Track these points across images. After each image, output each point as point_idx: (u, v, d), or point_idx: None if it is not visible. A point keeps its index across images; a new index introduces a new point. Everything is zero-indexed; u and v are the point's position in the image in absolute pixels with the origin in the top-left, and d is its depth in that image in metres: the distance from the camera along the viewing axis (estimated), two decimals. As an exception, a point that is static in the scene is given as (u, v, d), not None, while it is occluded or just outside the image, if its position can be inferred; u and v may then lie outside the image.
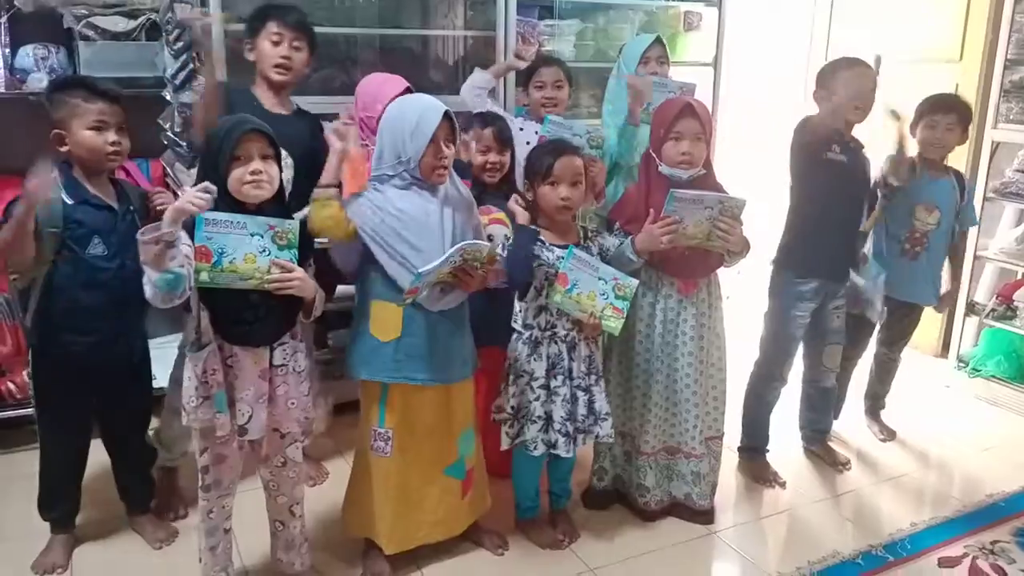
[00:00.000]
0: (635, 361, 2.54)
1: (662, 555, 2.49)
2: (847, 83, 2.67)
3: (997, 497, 2.88)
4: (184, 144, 2.88)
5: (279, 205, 2.02)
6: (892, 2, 4.24)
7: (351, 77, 3.33)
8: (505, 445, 2.34)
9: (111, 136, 2.12)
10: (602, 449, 2.64)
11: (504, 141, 2.56)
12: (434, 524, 2.33)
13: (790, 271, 2.82)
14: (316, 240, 2.13)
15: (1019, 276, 3.76)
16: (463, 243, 2.01)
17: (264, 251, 1.89)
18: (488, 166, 2.55)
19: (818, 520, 2.73)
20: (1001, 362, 3.71)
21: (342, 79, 3.30)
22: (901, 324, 3.21)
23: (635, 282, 2.26)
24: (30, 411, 2.89)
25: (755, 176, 3.86)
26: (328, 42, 3.19)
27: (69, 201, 2.11)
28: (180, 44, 2.89)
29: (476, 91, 2.88)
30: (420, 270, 1.96)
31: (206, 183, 1.84)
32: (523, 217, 2.37)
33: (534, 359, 2.31)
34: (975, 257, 3.75)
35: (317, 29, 2.56)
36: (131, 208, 2.22)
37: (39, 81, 2.82)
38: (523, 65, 2.95)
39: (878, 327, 3.18)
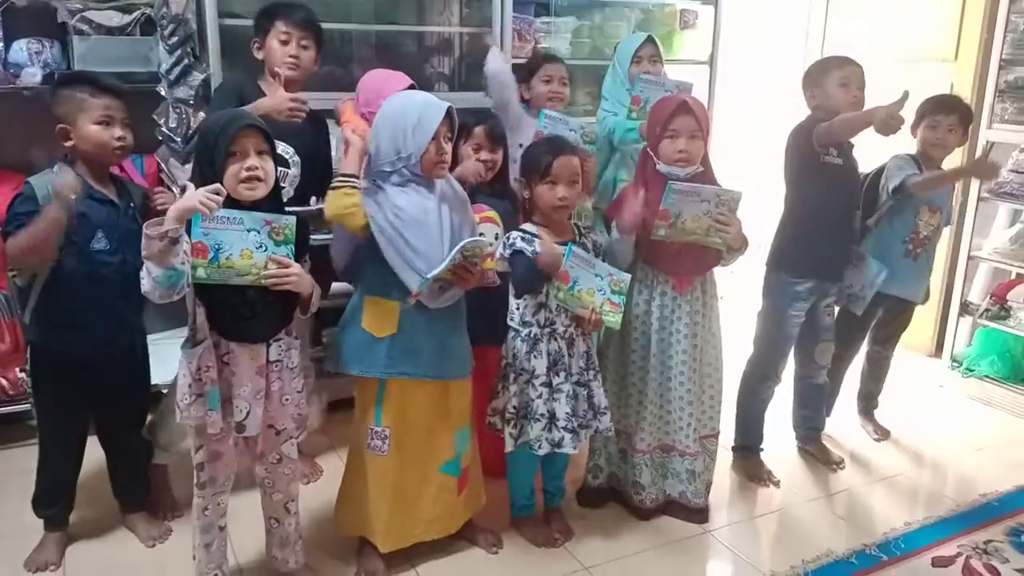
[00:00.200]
0: (630, 358, 2.54)
1: (656, 554, 2.49)
2: (840, 82, 2.67)
3: (990, 497, 2.89)
4: (179, 140, 2.87)
5: (275, 201, 2.01)
6: (887, 1, 4.25)
7: (348, 73, 3.33)
8: (509, 447, 2.32)
9: (117, 131, 2.14)
10: (597, 447, 2.64)
11: (496, 139, 2.54)
12: (431, 522, 2.33)
13: (785, 271, 2.83)
14: (313, 236, 2.13)
15: (1013, 276, 3.77)
16: (465, 240, 2.01)
17: (261, 247, 1.89)
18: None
19: (812, 519, 2.73)
20: (995, 362, 3.72)
21: (338, 75, 3.30)
22: (896, 322, 3.22)
23: (628, 276, 2.27)
24: (23, 407, 2.91)
25: (751, 174, 3.85)
26: (325, 38, 3.18)
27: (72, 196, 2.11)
28: (175, 39, 2.87)
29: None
30: (428, 275, 1.96)
31: (216, 185, 1.82)
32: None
33: (534, 357, 2.30)
34: (969, 257, 3.77)
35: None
36: (132, 204, 2.23)
37: (33, 76, 2.80)
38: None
39: (872, 325, 3.19)
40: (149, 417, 2.50)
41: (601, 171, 3.20)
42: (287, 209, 2.09)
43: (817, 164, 2.70)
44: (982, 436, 3.39)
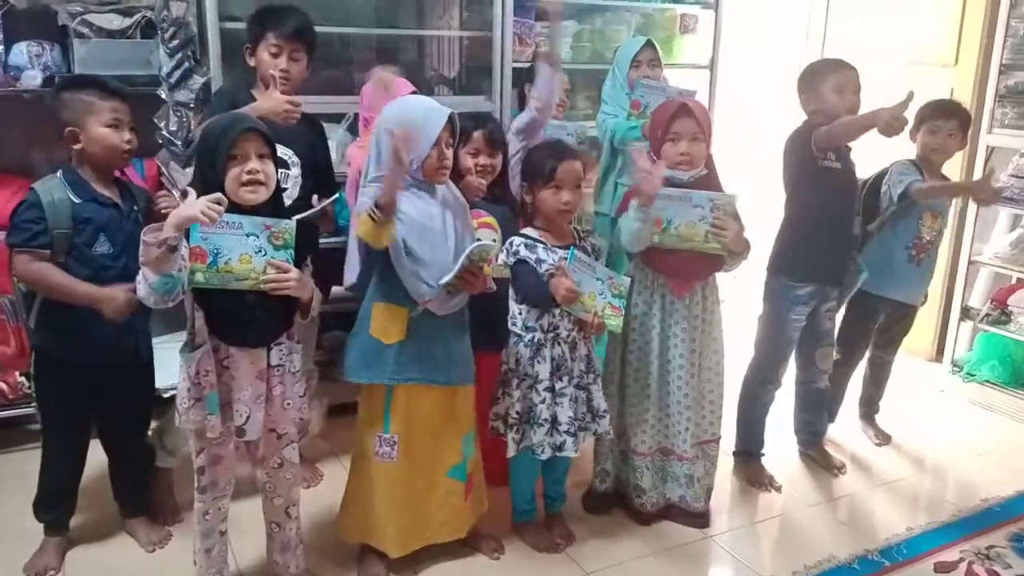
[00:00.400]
0: (628, 360, 2.54)
1: (658, 559, 2.49)
2: (836, 87, 2.66)
3: (992, 502, 2.88)
4: (179, 143, 2.86)
5: (276, 205, 2.01)
6: (887, 5, 4.25)
7: (348, 77, 3.33)
8: (511, 452, 2.32)
9: (126, 134, 2.15)
10: (604, 452, 2.63)
11: (495, 143, 2.52)
12: (440, 524, 2.33)
13: (785, 275, 2.82)
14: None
15: (1014, 281, 3.77)
16: (473, 246, 2.00)
17: (260, 251, 1.88)
18: (479, 169, 2.51)
19: (814, 524, 2.73)
20: (995, 367, 3.71)
21: (338, 79, 3.30)
22: (898, 326, 3.22)
23: (628, 280, 2.28)
24: (22, 411, 2.90)
25: (752, 178, 3.85)
26: (324, 42, 3.18)
27: (76, 200, 2.12)
28: (175, 42, 2.87)
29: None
30: (441, 281, 1.96)
31: (218, 195, 1.81)
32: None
33: (537, 362, 2.30)
34: (970, 262, 3.76)
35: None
36: (135, 207, 2.23)
37: (33, 79, 2.80)
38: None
39: (874, 330, 3.19)
40: (154, 422, 2.49)
41: (603, 175, 3.21)
42: (295, 210, 2.08)
43: (816, 168, 2.69)
44: (983, 441, 3.39)
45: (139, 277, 1.82)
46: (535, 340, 2.30)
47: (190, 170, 2.69)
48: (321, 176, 2.56)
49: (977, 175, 3.68)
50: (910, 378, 3.79)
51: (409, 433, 2.20)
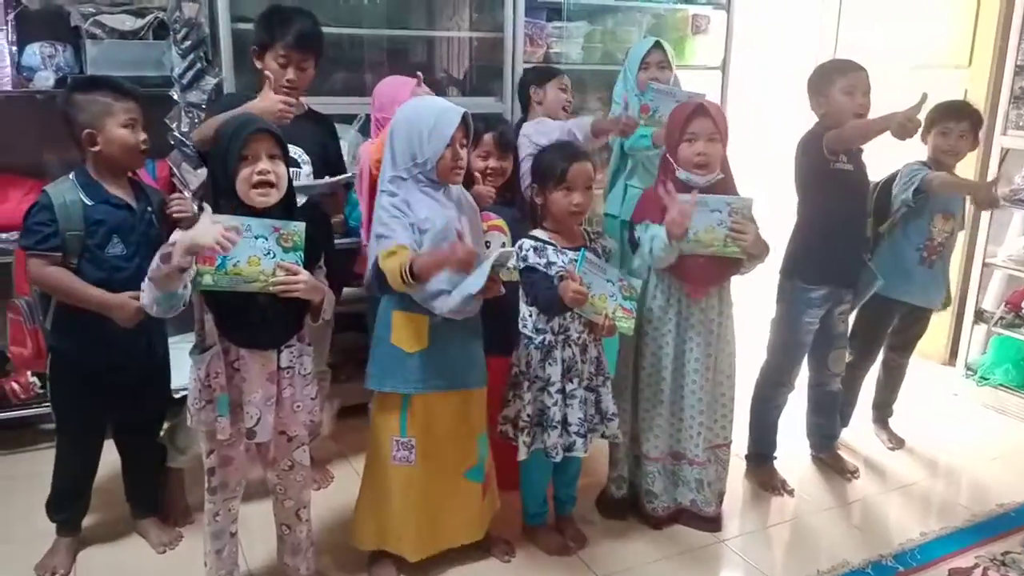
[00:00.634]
0: (641, 365, 2.52)
1: (669, 563, 2.47)
2: (845, 89, 2.64)
3: (1007, 507, 2.85)
4: (191, 144, 2.87)
5: (287, 206, 2.00)
6: (901, 6, 4.23)
7: (359, 78, 3.33)
8: (523, 455, 2.31)
9: (141, 134, 2.16)
10: (619, 458, 2.62)
11: (505, 146, 2.51)
12: (458, 527, 2.32)
13: (799, 278, 2.80)
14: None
15: (1028, 284, 3.74)
16: (496, 253, 1.98)
17: (269, 253, 1.87)
18: (489, 172, 2.50)
19: (826, 529, 2.71)
20: (1009, 370, 3.68)
21: (349, 80, 3.30)
22: (912, 329, 3.19)
23: (639, 282, 2.27)
24: (33, 411, 2.91)
25: (765, 179, 3.83)
26: (335, 43, 3.18)
27: (88, 202, 2.12)
28: (187, 43, 2.88)
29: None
30: (464, 292, 1.94)
31: (236, 225, 1.80)
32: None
33: (549, 364, 2.29)
34: (983, 264, 3.74)
35: (324, 30, 2.53)
36: (149, 208, 2.23)
37: (46, 79, 2.80)
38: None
39: (888, 333, 3.16)
40: (167, 423, 2.49)
41: (612, 177, 3.20)
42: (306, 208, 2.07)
43: (828, 171, 2.68)
44: (997, 445, 3.36)
45: (144, 285, 1.83)
46: (546, 342, 2.29)
47: (202, 171, 2.71)
48: (333, 170, 2.56)
49: (991, 178, 3.65)
50: (923, 382, 3.77)
51: (426, 436, 2.18)
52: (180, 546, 2.44)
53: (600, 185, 3.11)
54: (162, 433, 2.49)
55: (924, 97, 2.37)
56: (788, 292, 2.84)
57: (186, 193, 2.81)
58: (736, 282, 2.57)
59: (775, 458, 2.98)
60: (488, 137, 2.47)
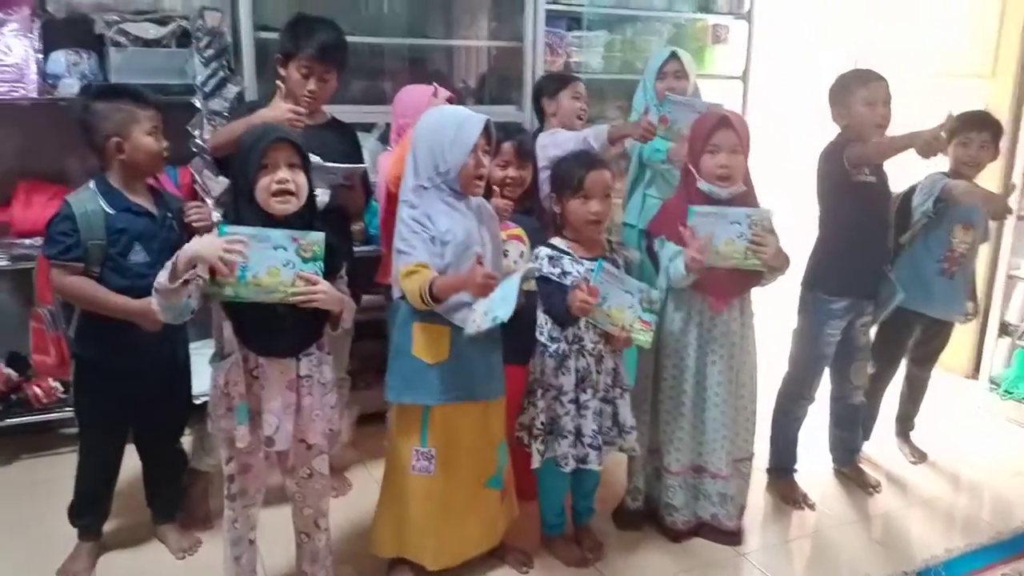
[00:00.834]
0: (662, 377, 2.50)
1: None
2: (866, 100, 2.62)
3: (1032, 523, 2.81)
4: (211, 152, 2.89)
5: (308, 216, 2.00)
6: (923, 16, 4.20)
7: (379, 87, 3.34)
8: (536, 463, 2.30)
9: (163, 141, 2.18)
10: (636, 469, 2.60)
11: (524, 155, 2.50)
12: (480, 537, 2.32)
13: (821, 290, 2.78)
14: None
15: (1052, 297, 3.69)
16: (523, 269, 1.97)
17: (288, 264, 1.87)
18: (508, 181, 2.49)
19: (848, 543, 2.67)
20: (1033, 384, 3.64)
21: (369, 89, 3.31)
22: (934, 342, 3.16)
23: (659, 294, 2.25)
24: (55, 416, 2.93)
25: (786, 190, 3.81)
26: (355, 52, 3.19)
27: (110, 211, 2.14)
28: (210, 52, 2.91)
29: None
30: (500, 318, 1.90)
31: (241, 238, 1.82)
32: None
33: (562, 373, 2.27)
34: (1008, 277, 3.70)
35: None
36: (169, 214, 2.24)
37: (70, 87, 2.83)
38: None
39: (910, 346, 3.13)
40: (194, 426, 2.50)
41: (631, 186, 3.19)
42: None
43: (850, 183, 2.66)
44: (1021, 459, 3.31)
45: (154, 293, 1.85)
46: (560, 351, 2.28)
47: (223, 178, 2.72)
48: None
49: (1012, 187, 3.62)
50: (946, 395, 3.72)
51: (446, 447, 2.18)
52: (199, 552, 2.44)
53: (619, 194, 3.10)
54: (189, 435, 2.50)
55: (950, 117, 2.36)
56: (810, 304, 2.82)
57: (208, 200, 2.83)
58: (757, 294, 2.55)
59: (796, 471, 2.95)
60: (507, 146, 2.47)
